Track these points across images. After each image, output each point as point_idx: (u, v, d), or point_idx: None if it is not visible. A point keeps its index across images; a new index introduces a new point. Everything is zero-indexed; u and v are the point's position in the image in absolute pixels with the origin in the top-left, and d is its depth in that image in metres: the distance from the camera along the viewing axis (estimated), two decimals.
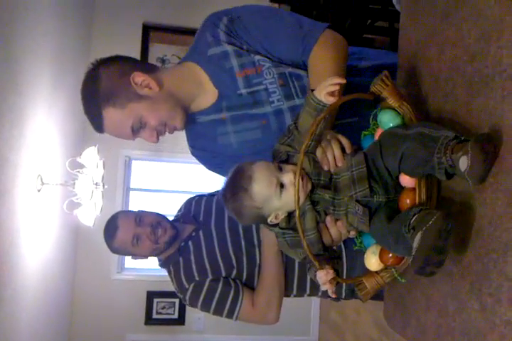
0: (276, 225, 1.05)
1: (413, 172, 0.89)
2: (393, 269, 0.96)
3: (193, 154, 1.54)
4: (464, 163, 0.75)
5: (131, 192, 4.83)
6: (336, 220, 1.03)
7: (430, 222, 0.79)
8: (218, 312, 1.52)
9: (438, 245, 0.78)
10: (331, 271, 0.97)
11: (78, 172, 3.17)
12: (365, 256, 1.02)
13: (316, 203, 1.01)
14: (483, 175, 0.77)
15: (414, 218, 0.83)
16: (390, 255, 0.94)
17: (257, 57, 1.32)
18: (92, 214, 3.28)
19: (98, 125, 1.30)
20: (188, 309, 4.56)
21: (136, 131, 1.29)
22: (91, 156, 3.28)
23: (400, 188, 0.95)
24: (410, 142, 0.87)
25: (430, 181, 0.90)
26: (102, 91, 1.26)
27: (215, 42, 1.33)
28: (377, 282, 0.99)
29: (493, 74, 0.80)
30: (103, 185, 3.34)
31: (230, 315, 1.51)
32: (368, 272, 1.02)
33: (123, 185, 4.69)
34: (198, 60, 1.37)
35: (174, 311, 4.70)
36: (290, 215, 1.02)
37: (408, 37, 1.16)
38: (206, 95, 1.38)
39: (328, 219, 1.03)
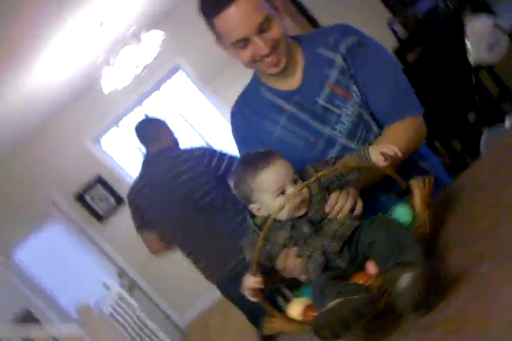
0: (253, 217, 1.13)
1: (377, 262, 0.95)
2: (309, 327, 1.01)
3: (233, 113, 1.51)
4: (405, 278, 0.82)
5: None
6: (299, 256, 1.08)
7: (356, 296, 0.85)
8: None
9: (345, 318, 0.83)
10: (260, 282, 1.02)
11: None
12: (293, 302, 1.07)
13: (294, 228, 1.07)
14: (416, 300, 0.82)
15: (348, 286, 0.90)
16: (313, 313, 0.98)
17: (354, 86, 1.33)
18: (115, 81, 3.41)
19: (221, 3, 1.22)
20: None
21: (261, 30, 1.23)
22: (153, 39, 3.42)
23: (362, 269, 1.00)
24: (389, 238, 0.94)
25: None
26: None
27: (332, 47, 1.34)
28: (285, 326, 1.02)
29: None
30: (143, 70, 3.46)
31: None
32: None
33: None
34: (306, 47, 1.38)
35: None
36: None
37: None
38: (288, 79, 1.37)
39: (294, 250, 1.08)
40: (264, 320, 1.06)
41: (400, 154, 1.04)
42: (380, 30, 4.64)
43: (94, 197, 5.19)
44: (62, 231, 5.26)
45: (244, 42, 1.25)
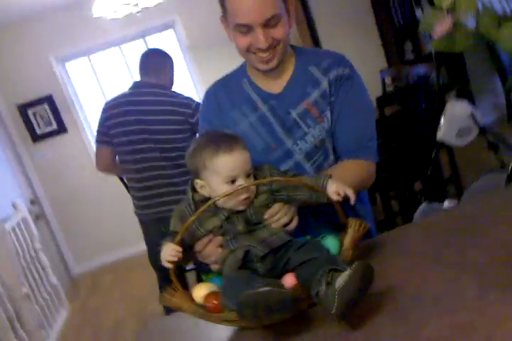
0: (194, 191, 1.15)
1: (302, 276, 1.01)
2: (201, 310, 1.06)
3: (208, 93, 1.52)
4: (340, 281, 0.89)
5: None
6: (221, 246, 1.13)
7: (285, 290, 0.94)
8: None
9: (271, 306, 0.88)
10: (178, 252, 1.05)
11: None
12: (200, 285, 1.11)
13: (228, 220, 1.10)
14: (352, 298, 0.87)
15: (277, 282, 0.99)
16: (215, 302, 1.03)
17: (328, 112, 1.39)
18: (107, 9, 3.37)
19: None
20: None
21: (266, 24, 1.26)
22: None
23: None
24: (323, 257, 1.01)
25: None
26: None
27: (324, 70, 1.39)
28: (183, 304, 1.07)
29: None
30: (139, 11, 3.44)
31: None
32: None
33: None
34: (299, 60, 1.42)
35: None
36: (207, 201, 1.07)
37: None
38: (272, 81, 1.42)
39: (218, 239, 1.13)
40: (165, 290, 1.11)
41: (353, 198, 1.10)
42: (370, 74, 4.82)
43: (37, 115, 5.00)
44: None
45: (246, 28, 1.27)
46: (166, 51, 2.87)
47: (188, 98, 2.64)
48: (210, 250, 1.14)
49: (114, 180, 4.77)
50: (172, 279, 1.10)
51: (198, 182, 1.15)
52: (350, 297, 0.88)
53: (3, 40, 4.93)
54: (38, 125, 5.04)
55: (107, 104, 2.67)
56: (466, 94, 4.78)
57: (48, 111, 5.03)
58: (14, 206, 3.68)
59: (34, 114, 5.02)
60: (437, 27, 1.06)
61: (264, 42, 1.27)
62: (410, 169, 3.17)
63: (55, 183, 5.17)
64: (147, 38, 5.30)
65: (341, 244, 1.12)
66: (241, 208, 1.11)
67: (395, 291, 0.98)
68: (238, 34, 1.31)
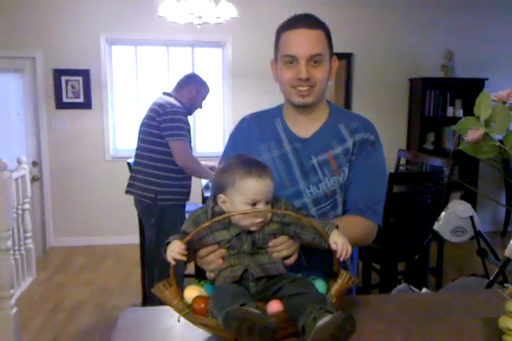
0: (214, 204, 1.25)
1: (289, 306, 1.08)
2: (187, 309, 1.13)
3: (243, 120, 1.65)
4: (321, 322, 0.97)
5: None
6: (222, 258, 1.21)
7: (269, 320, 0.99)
8: None
9: (255, 327, 0.95)
10: (183, 251, 1.13)
11: None
12: (192, 286, 1.19)
13: (238, 238, 1.19)
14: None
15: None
16: (203, 305, 1.11)
17: (346, 169, 1.49)
18: (172, 11, 3.57)
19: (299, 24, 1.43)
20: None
21: (310, 59, 1.41)
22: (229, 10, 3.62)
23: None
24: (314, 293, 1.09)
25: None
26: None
27: (351, 131, 1.51)
28: (172, 299, 1.15)
29: None
30: (200, 23, 3.63)
31: None
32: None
33: None
34: (332, 115, 1.56)
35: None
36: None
37: None
38: (303, 127, 1.54)
39: (222, 252, 1.21)
40: (161, 282, 1.18)
41: (348, 253, 1.17)
42: (388, 150, 5.01)
43: (69, 84, 5.12)
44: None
45: (292, 60, 1.43)
46: (202, 78, 3.36)
47: (178, 112, 3.09)
48: (212, 259, 1.22)
49: (119, 167, 4.91)
50: (171, 274, 1.17)
51: (221, 197, 1.24)
52: (321, 338, 0.95)
53: (66, 8, 5.10)
54: (67, 94, 5.14)
55: None
56: (470, 198, 4.94)
57: (81, 84, 5.15)
58: (18, 161, 3.73)
59: (66, 83, 5.13)
60: (470, 133, 1.18)
61: (306, 74, 1.41)
62: (400, 248, 3.28)
63: (61, 153, 5.23)
64: (195, 48, 5.48)
65: (327, 290, 1.21)
66: (253, 229, 1.20)
67: None
68: (284, 67, 1.45)
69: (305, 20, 1.44)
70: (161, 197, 3.09)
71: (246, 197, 1.20)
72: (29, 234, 4.08)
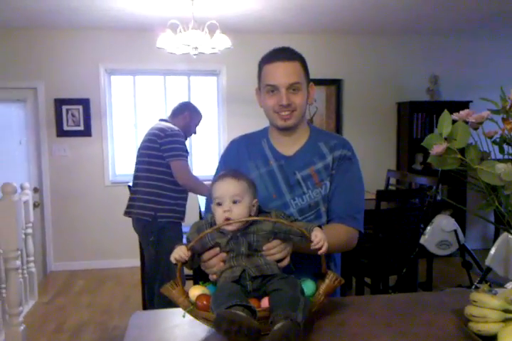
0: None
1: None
2: (192, 306, 1.29)
3: (232, 142, 1.83)
4: (277, 325, 1.10)
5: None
6: (223, 262, 1.36)
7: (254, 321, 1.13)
8: None
9: (243, 327, 1.08)
10: (187, 255, 1.28)
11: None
12: (196, 286, 1.34)
13: (235, 241, 1.34)
14: None
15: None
16: (205, 302, 1.26)
17: (328, 182, 1.66)
18: (169, 43, 3.77)
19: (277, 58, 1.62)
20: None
21: (289, 87, 1.60)
22: (223, 42, 3.83)
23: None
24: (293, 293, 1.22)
25: None
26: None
27: (330, 148, 1.69)
28: (178, 297, 1.30)
29: None
30: (196, 54, 3.84)
31: None
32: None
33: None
34: (312, 135, 1.73)
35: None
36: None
37: None
38: (286, 147, 1.71)
39: (223, 256, 1.36)
40: (169, 283, 1.33)
41: (323, 249, 1.30)
42: (378, 170, 5.26)
43: (69, 113, 5.35)
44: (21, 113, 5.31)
45: (273, 88, 1.62)
46: (195, 105, 3.61)
47: (168, 134, 3.29)
48: (214, 262, 1.38)
49: (118, 192, 5.07)
50: (177, 275, 1.33)
51: (212, 206, 1.42)
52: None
53: (66, 40, 5.35)
54: (67, 122, 5.34)
55: None
56: (460, 217, 5.11)
57: (81, 112, 5.36)
58: (22, 187, 3.88)
59: (67, 111, 5.34)
60: (435, 147, 1.37)
61: (286, 100, 1.61)
62: (389, 262, 3.42)
63: (62, 179, 5.41)
64: (191, 77, 5.72)
65: (316, 289, 1.36)
66: (230, 229, 1.34)
67: None
68: (267, 95, 1.65)
69: (282, 54, 1.64)
70: (160, 214, 3.27)
71: (214, 198, 1.39)
72: (31, 258, 4.20)
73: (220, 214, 1.36)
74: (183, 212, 3.42)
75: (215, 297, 1.25)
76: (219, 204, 1.37)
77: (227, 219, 1.34)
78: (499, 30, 5.81)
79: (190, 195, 3.49)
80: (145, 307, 3.71)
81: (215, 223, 1.39)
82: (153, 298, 3.34)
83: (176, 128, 3.34)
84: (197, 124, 3.59)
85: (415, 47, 5.93)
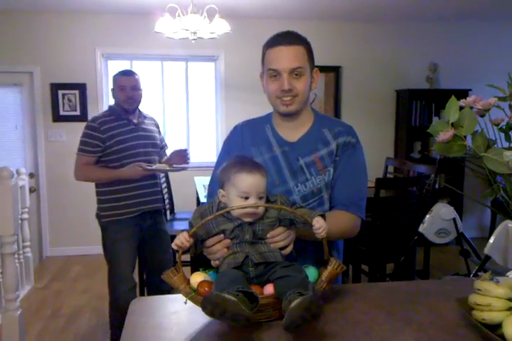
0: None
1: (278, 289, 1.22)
2: (193, 293, 1.28)
3: (236, 127, 1.80)
4: (293, 304, 1.10)
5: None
6: (227, 248, 1.34)
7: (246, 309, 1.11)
8: None
9: (228, 311, 1.08)
10: (189, 241, 1.27)
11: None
12: (198, 273, 1.33)
13: (240, 228, 1.32)
14: (293, 320, 1.07)
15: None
16: (207, 289, 1.24)
17: (331, 168, 1.65)
18: (168, 27, 3.69)
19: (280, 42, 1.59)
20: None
21: (292, 72, 1.57)
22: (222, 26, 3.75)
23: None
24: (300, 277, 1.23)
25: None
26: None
27: (334, 134, 1.67)
28: (180, 284, 1.28)
29: None
30: (195, 39, 3.76)
31: None
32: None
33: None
34: (316, 121, 1.71)
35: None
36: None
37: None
38: (290, 132, 1.69)
39: (227, 242, 1.34)
40: (170, 269, 1.32)
41: (322, 234, 1.30)
42: (377, 158, 5.24)
43: (65, 98, 5.28)
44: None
45: (276, 73, 1.59)
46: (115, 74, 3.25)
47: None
48: (218, 248, 1.36)
49: None
50: (178, 261, 1.32)
51: (221, 192, 1.40)
52: (292, 319, 1.09)
53: (63, 24, 5.28)
54: (63, 107, 5.30)
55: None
56: (457, 205, 5.12)
57: (77, 97, 5.31)
58: (18, 172, 3.85)
59: (63, 96, 5.29)
60: (441, 134, 1.34)
61: (288, 85, 1.57)
62: (387, 250, 3.42)
63: (58, 164, 5.36)
64: (189, 62, 5.66)
65: (319, 276, 1.35)
66: (247, 220, 1.33)
67: (348, 330, 1.21)
68: (269, 80, 1.62)
69: (285, 38, 1.60)
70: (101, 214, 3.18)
71: (238, 191, 1.35)
72: (27, 243, 4.19)
73: (246, 210, 1.32)
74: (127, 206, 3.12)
75: (217, 282, 1.24)
76: (244, 197, 1.34)
77: (249, 214, 1.32)
78: (499, 18, 5.78)
79: (185, 182, 3.41)
80: (142, 293, 3.71)
81: (219, 208, 1.37)
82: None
83: (94, 116, 3.03)
84: (122, 90, 3.03)
85: (415, 35, 5.89)
